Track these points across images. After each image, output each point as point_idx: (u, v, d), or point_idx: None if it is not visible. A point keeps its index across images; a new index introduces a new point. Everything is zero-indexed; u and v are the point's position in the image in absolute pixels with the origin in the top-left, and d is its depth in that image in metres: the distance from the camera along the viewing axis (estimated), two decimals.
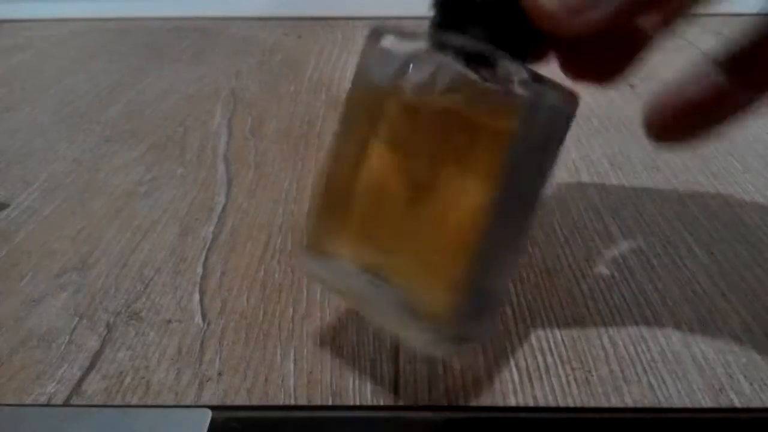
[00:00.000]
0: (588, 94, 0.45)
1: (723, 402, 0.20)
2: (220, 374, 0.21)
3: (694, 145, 0.19)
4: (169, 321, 0.24)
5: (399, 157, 0.17)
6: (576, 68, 0.18)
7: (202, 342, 0.23)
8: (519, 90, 0.16)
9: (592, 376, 0.21)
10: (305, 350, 0.22)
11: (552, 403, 0.20)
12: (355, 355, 0.22)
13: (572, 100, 0.17)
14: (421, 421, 0.19)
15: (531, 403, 0.20)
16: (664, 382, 0.21)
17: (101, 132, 0.40)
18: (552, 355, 0.22)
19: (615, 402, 0.20)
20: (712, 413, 0.20)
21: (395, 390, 0.21)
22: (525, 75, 0.16)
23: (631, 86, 0.46)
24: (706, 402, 0.20)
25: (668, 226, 0.29)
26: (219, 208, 0.31)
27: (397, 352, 0.22)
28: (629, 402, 0.20)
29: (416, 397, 0.20)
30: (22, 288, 0.26)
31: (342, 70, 0.50)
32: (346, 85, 0.18)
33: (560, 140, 0.18)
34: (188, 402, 0.20)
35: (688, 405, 0.20)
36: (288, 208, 0.31)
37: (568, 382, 0.21)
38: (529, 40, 0.17)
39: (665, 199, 0.32)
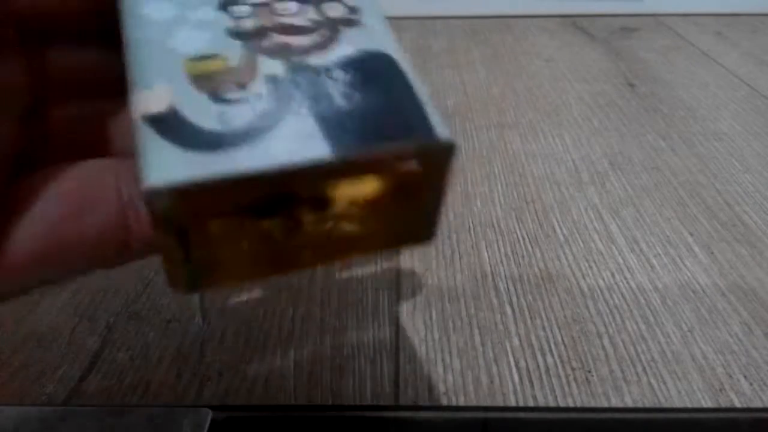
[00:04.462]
0: (588, 94, 0.45)
1: (723, 402, 0.20)
2: (220, 374, 0.21)
3: None
4: (169, 321, 0.24)
5: None
6: None
7: (202, 342, 0.23)
8: None
9: (592, 376, 0.21)
10: (305, 350, 0.22)
11: (552, 403, 0.20)
12: (355, 355, 0.22)
13: None
14: (421, 421, 0.19)
15: (531, 403, 0.20)
16: (664, 382, 0.21)
17: None
18: (552, 355, 0.22)
19: (615, 402, 0.20)
20: (712, 413, 0.20)
21: (395, 390, 0.21)
22: None
23: (631, 86, 0.46)
24: (706, 402, 0.20)
25: (668, 226, 0.29)
26: None
27: (397, 352, 0.22)
28: (629, 402, 0.20)
29: (416, 397, 0.20)
30: None
31: None
32: None
33: None
34: (188, 402, 0.20)
35: (688, 405, 0.20)
36: None
37: (568, 382, 0.21)
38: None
39: (665, 199, 0.32)
